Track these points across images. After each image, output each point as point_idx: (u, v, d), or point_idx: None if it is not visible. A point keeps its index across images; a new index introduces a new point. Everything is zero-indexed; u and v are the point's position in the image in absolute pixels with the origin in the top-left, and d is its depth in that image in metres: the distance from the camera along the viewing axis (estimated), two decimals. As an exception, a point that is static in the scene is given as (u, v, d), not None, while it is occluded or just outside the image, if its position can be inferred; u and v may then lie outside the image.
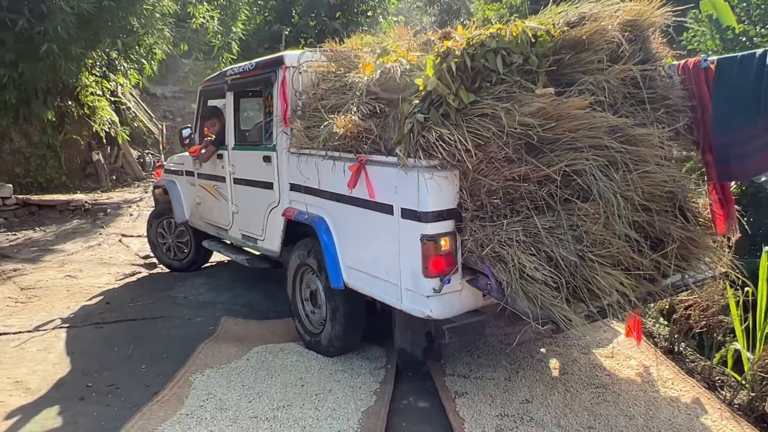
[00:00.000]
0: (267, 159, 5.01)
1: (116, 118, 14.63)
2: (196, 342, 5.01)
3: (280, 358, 4.57)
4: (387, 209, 3.65)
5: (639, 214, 3.20)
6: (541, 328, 3.07)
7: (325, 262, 4.29)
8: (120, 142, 14.48)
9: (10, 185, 10.98)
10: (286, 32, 22.51)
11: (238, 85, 5.55)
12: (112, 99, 14.94)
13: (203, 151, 5.99)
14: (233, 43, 17.42)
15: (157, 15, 13.25)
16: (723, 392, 3.93)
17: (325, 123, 4.08)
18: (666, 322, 4.71)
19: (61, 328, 5.63)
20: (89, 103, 13.70)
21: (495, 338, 4.68)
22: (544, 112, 3.17)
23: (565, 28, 3.43)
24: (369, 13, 24.15)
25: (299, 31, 22.52)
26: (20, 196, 11.07)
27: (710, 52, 9.10)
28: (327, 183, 4.23)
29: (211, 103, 6.38)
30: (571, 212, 3.21)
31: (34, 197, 11.31)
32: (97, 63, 13.86)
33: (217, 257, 7.53)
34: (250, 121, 6.01)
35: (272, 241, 5.14)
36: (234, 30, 17.71)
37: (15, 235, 10.01)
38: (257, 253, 5.75)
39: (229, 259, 6.82)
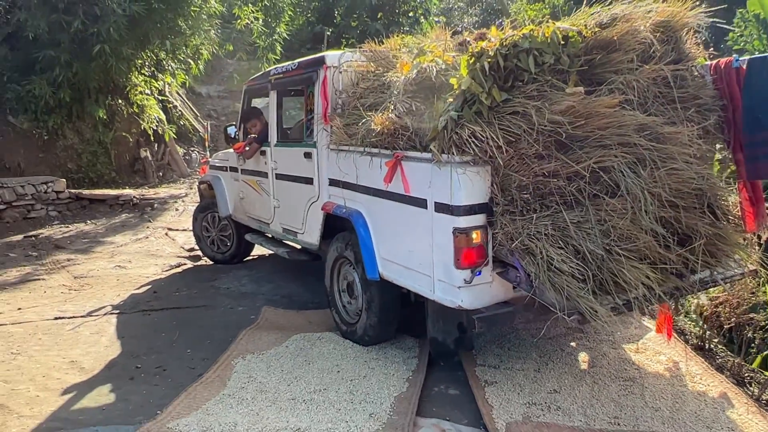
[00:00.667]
0: (308, 155, 5.21)
1: (163, 117, 15.10)
2: (238, 329, 5.23)
3: (318, 346, 4.75)
4: (421, 203, 3.80)
5: (666, 210, 3.29)
6: (567, 318, 3.18)
7: (361, 255, 4.46)
8: (167, 139, 14.95)
9: (64, 180, 11.48)
10: (329, 33, 22.83)
11: (281, 84, 5.77)
12: (160, 98, 15.42)
13: (247, 148, 6.23)
14: (277, 43, 17.78)
15: (204, 16, 13.65)
16: (752, 388, 3.97)
17: (363, 120, 4.25)
18: (697, 319, 4.75)
19: (111, 314, 5.93)
20: (138, 102, 14.18)
21: (526, 331, 4.79)
22: (573, 110, 3.29)
23: (597, 29, 3.53)
24: (410, 14, 24.28)
25: (341, 32, 22.81)
26: (73, 191, 11.56)
27: (757, 53, 9.00)
28: (364, 178, 4.40)
29: (255, 101, 6.63)
30: (599, 207, 3.32)
31: (86, 192, 11.79)
32: (146, 63, 14.33)
33: (258, 251, 7.77)
34: (292, 120, 6.24)
35: (312, 234, 5.34)
36: (278, 31, 18.06)
37: (68, 227, 10.48)
38: (297, 246, 5.97)
39: (270, 252, 7.08)
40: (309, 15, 24.67)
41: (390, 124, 3.94)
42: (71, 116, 13.05)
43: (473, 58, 3.55)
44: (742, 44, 10.15)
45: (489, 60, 3.45)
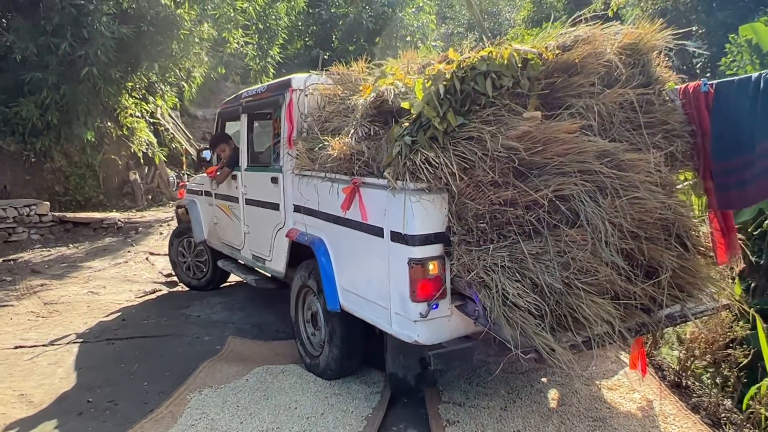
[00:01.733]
0: (274, 180, 5.05)
1: (154, 140, 15.02)
2: (201, 360, 5.04)
3: (279, 379, 4.55)
4: (378, 232, 3.62)
5: (628, 241, 3.11)
6: (524, 357, 2.99)
7: (322, 284, 4.28)
8: (157, 162, 14.84)
9: (47, 203, 11.34)
10: (325, 56, 22.87)
11: (251, 107, 5.63)
12: (151, 120, 15.35)
13: (218, 173, 6.08)
14: (270, 66, 17.76)
15: (195, 39, 13.62)
16: (726, 430, 3.75)
17: (323, 145, 4.09)
18: (673, 353, 4.53)
19: (74, 343, 5.74)
20: (128, 125, 14.11)
21: (496, 365, 4.58)
22: (531, 136, 3.12)
23: (558, 52, 3.37)
24: (408, 38, 24.35)
25: (339, 56, 22.86)
26: (57, 214, 11.42)
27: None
28: (325, 204, 4.24)
29: (229, 125, 6.49)
30: (558, 238, 3.14)
31: (70, 215, 11.65)
32: (137, 86, 14.28)
33: (235, 277, 7.58)
34: (262, 143, 6.08)
35: (278, 262, 5.16)
36: (271, 54, 18.06)
37: (49, 251, 10.32)
38: (267, 273, 5.78)
39: (243, 278, 6.87)
40: (307, 39, 24.77)
41: (347, 149, 3.78)
42: (59, 138, 12.93)
43: (429, 81, 3.40)
44: (734, 69, 10.03)
45: (445, 83, 3.30)
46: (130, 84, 13.84)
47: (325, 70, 4.86)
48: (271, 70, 17.35)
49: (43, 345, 5.67)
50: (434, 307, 3.38)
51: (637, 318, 3.22)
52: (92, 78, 11.68)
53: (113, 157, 13.89)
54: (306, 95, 4.79)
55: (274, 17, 17.34)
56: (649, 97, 3.57)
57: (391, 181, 3.38)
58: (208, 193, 6.76)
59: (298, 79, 4.86)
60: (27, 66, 11.63)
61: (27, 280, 8.26)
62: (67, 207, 12.73)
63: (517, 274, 3.09)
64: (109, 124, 13.77)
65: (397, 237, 3.45)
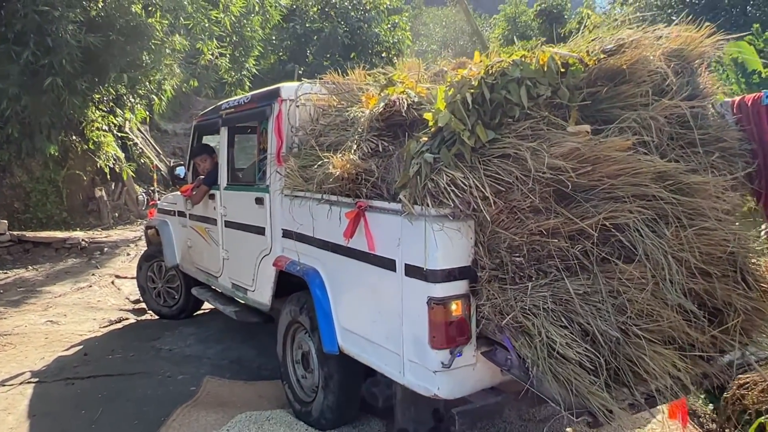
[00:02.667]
0: (259, 201, 4.50)
1: (122, 155, 14.31)
2: (174, 405, 4.45)
3: (265, 429, 3.96)
4: (389, 264, 3.09)
5: (696, 279, 2.62)
6: (574, 419, 2.47)
7: (317, 322, 3.72)
8: (125, 178, 14.13)
9: (5, 221, 10.59)
10: (300, 71, 22.40)
11: (232, 120, 5.07)
12: (119, 134, 14.64)
13: (194, 192, 5.50)
14: (246, 79, 17.19)
15: (167, 50, 13.00)
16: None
17: (321, 162, 3.56)
18: (714, 400, 4.07)
19: (29, 383, 5.07)
20: (94, 139, 13.39)
21: (514, 413, 4.06)
22: (578, 154, 2.63)
23: (602, 56, 2.90)
24: (383, 54, 24.03)
25: (314, 71, 22.34)
26: (15, 233, 10.66)
27: (736, 96, 8.57)
28: (322, 230, 3.70)
29: (206, 139, 5.92)
30: (610, 275, 2.64)
31: (30, 234, 10.89)
32: (105, 98, 13.59)
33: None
34: (244, 160, 5.53)
35: (263, 293, 4.58)
36: (246, 66, 17.49)
37: (6, 273, 9.56)
38: (248, 304, 5.19)
39: (219, 308, 6.25)
40: (281, 53, 24.30)
41: (351, 168, 3.25)
42: (20, 153, 12.17)
43: (452, 89, 2.90)
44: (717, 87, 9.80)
45: (472, 91, 2.80)
46: (97, 96, 13.13)
47: (319, 78, 4.34)
48: (247, 84, 16.76)
49: (-8, 386, 4.99)
50: (458, 355, 2.86)
51: (698, 368, 2.73)
52: (56, 89, 10.97)
53: (78, 172, 13.14)
54: (297, 106, 4.26)
55: (249, 29, 16.77)
56: (700, 111, 3.11)
57: (408, 205, 2.86)
58: (181, 214, 6.15)
59: (287, 88, 4.33)
60: (-15, 76, 10.92)
61: (-21, 308, 7.53)
62: (27, 225, 11.96)
63: (563, 319, 2.58)
64: (74, 137, 13.06)
65: (413, 271, 2.92)
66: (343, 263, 3.51)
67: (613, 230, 2.66)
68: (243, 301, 5.07)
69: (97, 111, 13.51)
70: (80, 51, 10.79)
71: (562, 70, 2.81)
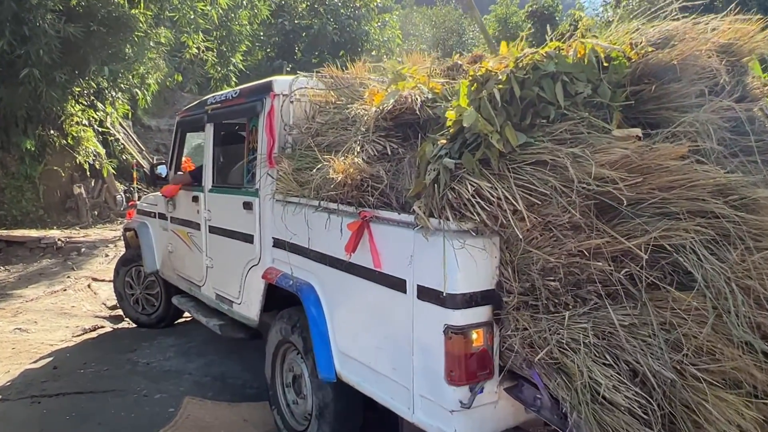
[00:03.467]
0: (248, 205, 4.08)
1: (102, 150, 13.78)
2: (150, 430, 4.01)
3: (252, 462, 3.56)
4: (398, 284, 2.69)
5: (764, 312, 2.23)
6: (622, 476, 2.09)
7: (312, 344, 3.32)
8: (105, 175, 13.58)
9: (-24, 219, 10.04)
10: (288, 68, 21.93)
11: (219, 116, 4.65)
12: (100, 130, 14.10)
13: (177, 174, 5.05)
14: (232, 74, 16.70)
15: (151, 43, 12.51)
16: None
17: (320, 165, 3.16)
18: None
19: (-10, 401, 4.61)
20: (73, 133, 12.85)
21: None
22: (626, 162, 2.24)
23: (649, 50, 2.52)
24: (373, 53, 23.62)
25: (301, 68, 21.89)
26: (-14, 231, 10.12)
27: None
28: (319, 242, 3.29)
29: (190, 136, 5.49)
30: (662, 304, 2.25)
31: (3, 232, 10.39)
32: (85, 91, 13.06)
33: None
34: (231, 160, 5.09)
35: (250, 307, 4.17)
36: (233, 62, 17.00)
37: (-25, 274, 9.04)
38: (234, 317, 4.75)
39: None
40: (269, 50, 23.79)
41: (356, 173, 2.85)
42: (-6, 147, 11.67)
43: (476, 84, 2.51)
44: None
45: (500, 86, 2.41)
46: (77, 89, 12.61)
47: (316, 72, 3.93)
48: (233, 80, 16.26)
49: (-50, 404, 4.52)
50: (479, 392, 2.47)
51: (761, 414, 2.35)
52: (33, 80, 10.47)
53: (56, 168, 12.59)
54: (291, 102, 3.85)
55: (237, 23, 16.27)
56: (753, 114, 2.74)
57: (423, 218, 2.46)
58: (162, 216, 5.71)
59: (281, 82, 3.92)
60: (-41, 65, 10.39)
61: (-58, 312, 7.03)
62: (2, 223, 11.43)
63: (607, 356, 2.19)
64: (52, 132, 12.50)
65: (427, 294, 2.52)
66: (343, 280, 3.10)
67: (665, 251, 2.27)
68: (228, 314, 4.63)
69: (76, 105, 12.99)
70: (59, 41, 10.31)
71: (605, 64, 2.42)
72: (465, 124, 2.30)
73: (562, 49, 2.51)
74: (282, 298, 3.88)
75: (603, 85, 2.45)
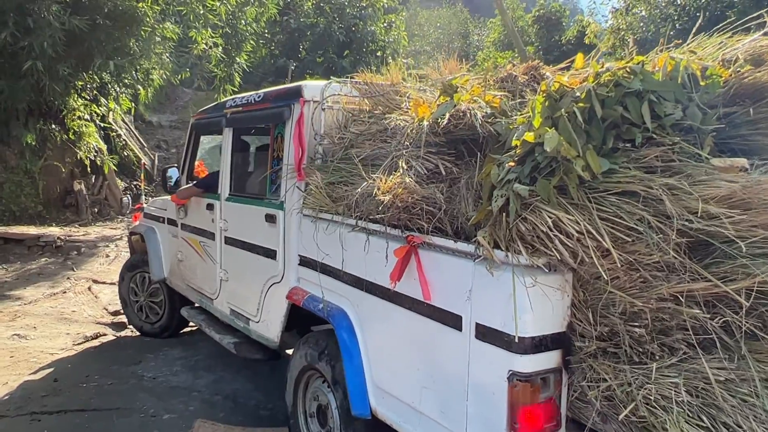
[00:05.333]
0: (271, 218, 3.80)
1: (104, 146, 13.49)
2: (159, 457, 3.74)
3: (272, 498, 3.28)
4: (451, 321, 2.42)
5: None
6: None
7: (344, 375, 3.04)
8: (106, 171, 13.29)
9: (-27, 215, 9.73)
10: (293, 67, 21.65)
11: (239, 121, 4.36)
12: (102, 125, 13.80)
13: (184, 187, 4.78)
14: (236, 74, 16.39)
15: (157, 38, 12.20)
16: None
17: (360, 181, 2.88)
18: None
19: (-13, 417, 4.32)
20: (75, 128, 12.56)
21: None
22: (728, 197, 1.97)
23: (748, 68, 2.25)
24: (378, 53, 23.34)
25: (306, 67, 21.63)
26: (-17, 227, 9.82)
27: None
28: (355, 265, 3.02)
29: (205, 140, 5.21)
30: (763, 358, 1.99)
31: (0, 229, 10.03)
32: (88, 86, 12.76)
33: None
34: (252, 167, 4.81)
35: (270, 327, 3.89)
36: (238, 61, 16.67)
37: (-29, 273, 8.73)
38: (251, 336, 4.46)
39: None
40: (273, 47, 23.50)
41: (404, 193, 2.57)
42: (-6, 140, 11.37)
43: (549, 101, 2.23)
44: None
45: (579, 105, 2.14)
46: (80, 83, 12.31)
47: (350, 77, 3.65)
48: (237, 79, 15.95)
49: (-56, 420, 4.23)
50: (545, 446, 2.20)
51: None
52: (36, 73, 10.18)
53: (56, 163, 12.30)
54: (323, 109, 3.57)
55: (243, 21, 15.96)
56: None
57: (488, 249, 2.19)
58: (172, 222, 5.43)
59: (311, 87, 3.65)
60: (-40, 56, 10.09)
61: (-63, 315, 6.72)
62: (-1, 219, 11.14)
63: (703, 417, 1.92)
64: (53, 126, 12.22)
65: (489, 335, 2.25)
66: (383, 308, 2.83)
67: (765, 297, 2.00)
68: (243, 332, 4.35)
69: (79, 99, 12.70)
70: (63, 34, 10.00)
71: (702, 83, 2.15)
72: (547, 148, 2.02)
73: (647, 64, 2.24)
74: (302, 318, 3.63)
75: (692, 106, 2.19)
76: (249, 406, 4.59)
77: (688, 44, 2.50)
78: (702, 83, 2.15)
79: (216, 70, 16.04)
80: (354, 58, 22.24)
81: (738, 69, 2.25)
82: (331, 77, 3.73)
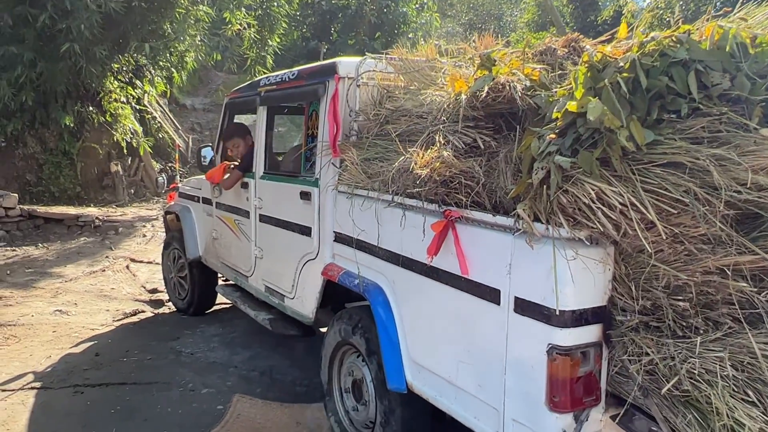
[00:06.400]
0: (305, 195, 3.82)
1: (139, 128, 13.67)
2: (198, 430, 3.83)
3: (308, 471, 3.32)
4: (489, 295, 2.41)
5: None
6: None
7: (380, 349, 3.06)
8: (141, 153, 13.50)
9: (15, 195, 9.95)
10: (324, 49, 21.60)
11: (273, 99, 4.38)
12: (137, 107, 13.98)
13: (226, 176, 4.82)
14: (268, 56, 16.44)
15: (191, 20, 12.30)
16: None
17: (398, 157, 2.87)
18: None
19: (32, 388, 4.43)
20: (112, 111, 12.77)
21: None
22: (775, 167, 1.92)
23: (799, 35, 2.18)
24: (410, 35, 23.16)
25: (337, 49, 21.58)
26: (26, 207, 10.05)
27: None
28: (391, 240, 3.01)
29: (239, 118, 5.23)
30: (812, 333, 1.94)
31: (41, 209, 10.28)
32: (124, 68, 12.94)
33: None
34: (285, 144, 4.83)
35: (305, 303, 3.92)
36: (270, 43, 16.70)
37: (14, 251, 8.97)
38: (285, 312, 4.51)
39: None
40: (304, 30, 23.46)
41: (442, 167, 2.55)
42: (34, 122, 11.64)
43: (592, 71, 2.19)
44: None
45: (623, 75, 2.09)
46: (116, 65, 12.51)
47: (385, 53, 3.63)
48: (270, 61, 16.00)
49: (-9, 391, 4.36)
50: (584, 420, 2.19)
51: None
52: (73, 56, 10.37)
53: (93, 145, 12.53)
54: (358, 85, 3.56)
55: (276, 3, 15.97)
56: None
57: (528, 222, 2.17)
58: (207, 201, 5.49)
59: (346, 63, 3.63)
60: (1, 39, 10.27)
61: (-18, 291, 6.92)
62: (39, 199, 11.39)
63: (749, 392, 1.89)
64: (90, 108, 12.42)
65: (528, 308, 2.24)
66: (419, 283, 2.83)
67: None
68: (278, 308, 4.39)
69: (115, 82, 12.90)
70: (100, 16, 10.16)
71: (752, 51, 2.09)
72: (590, 117, 1.98)
73: (694, 32, 2.18)
74: (337, 294, 3.65)
75: (740, 76, 2.12)
76: (285, 382, 4.64)
77: (736, 13, 2.43)
78: (751, 52, 2.08)
79: (249, 52, 16.11)
80: (385, 39, 22.11)
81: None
82: (366, 53, 3.70)
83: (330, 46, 22.09)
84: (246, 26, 13.88)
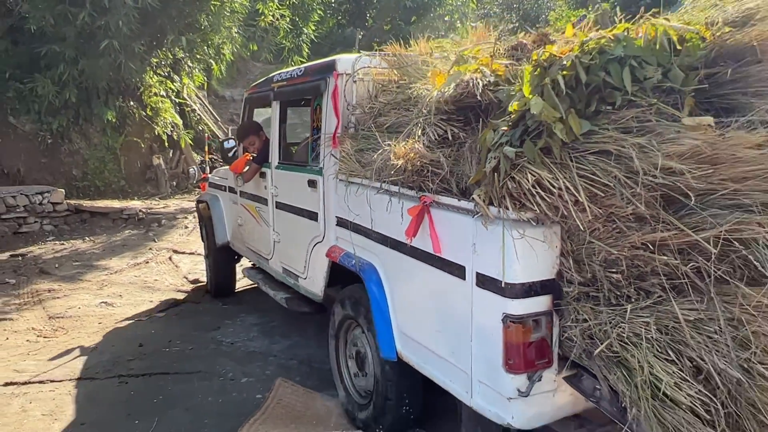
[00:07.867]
0: (312, 183, 4.15)
1: (179, 121, 14.19)
2: (238, 417, 3.99)
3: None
4: (457, 271, 2.70)
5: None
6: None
7: (374, 322, 3.38)
8: (182, 146, 14.03)
9: (62, 190, 10.57)
10: (360, 36, 21.83)
11: (285, 94, 4.71)
12: (177, 101, 14.51)
13: (245, 169, 5.18)
14: (304, 45, 16.75)
15: (226, 12, 12.65)
16: None
17: (382, 149, 3.17)
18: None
19: (79, 378, 4.77)
20: (152, 105, 13.29)
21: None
22: (696, 153, 2.15)
23: (727, 30, 2.38)
24: (446, 18, 23.16)
25: (373, 35, 21.79)
26: (72, 202, 10.66)
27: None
28: (381, 223, 3.32)
29: (258, 112, 5.59)
30: (731, 300, 2.17)
31: (87, 203, 10.88)
32: (162, 62, 13.43)
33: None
34: (297, 136, 5.16)
35: (314, 282, 4.27)
36: (305, 32, 17.01)
37: (62, 244, 9.54)
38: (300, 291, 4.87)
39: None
40: (339, 17, 23.71)
41: (416, 158, 2.84)
42: (77, 118, 12.23)
43: (539, 69, 2.44)
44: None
45: (564, 72, 2.34)
46: (154, 60, 12.97)
47: (379, 50, 3.91)
48: (305, 50, 16.33)
49: (40, 382, 4.71)
50: (537, 380, 2.46)
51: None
52: (113, 52, 10.83)
53: (135, 139, 13.11)
54: (354, 81, 3.86)
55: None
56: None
57: (482, 206, 2.45)
58: (232, 190, 5.89)
59: (344, 60, 3.93)
60: (43, 38, 10.84)
61: (33, 284, 7.42)
62: (85, 193, 11.99)
63: (670, 352, 2.14)
64: (131, 103, 12.98)
65: (486, 282, 2.52)
66: (404, 262, 3.13)
67: (734, 244, 2.18)
68: (294, 288, 4.75)
69: (154, 76, 13.38)
70: (137, 12, 10.54)
71: (679, 47, 2.31)
72: (533, 112, 2.24)
73: (632, 31, 2.40)
74: (344, 274, 3.96)
75: (674, 69, 2.34)
76: (323, 370, 4.69)
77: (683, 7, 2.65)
78: (678, 47, 2.30)
79: (284, 42, 16.45)
80: (422, 23, 22.18)
81: (721, 31, 2.38)
82: (349, 51, 3.99)
83: (366, 33, 22.33)
84: (279, 17, 14.18)
